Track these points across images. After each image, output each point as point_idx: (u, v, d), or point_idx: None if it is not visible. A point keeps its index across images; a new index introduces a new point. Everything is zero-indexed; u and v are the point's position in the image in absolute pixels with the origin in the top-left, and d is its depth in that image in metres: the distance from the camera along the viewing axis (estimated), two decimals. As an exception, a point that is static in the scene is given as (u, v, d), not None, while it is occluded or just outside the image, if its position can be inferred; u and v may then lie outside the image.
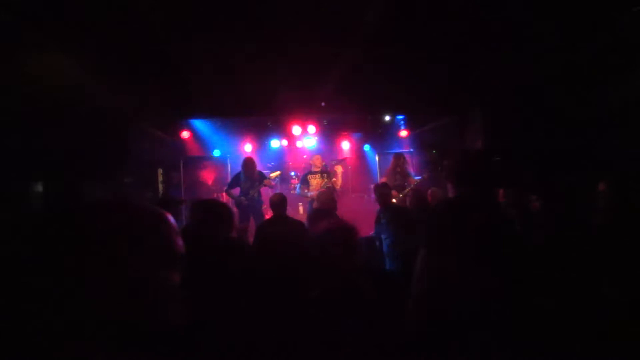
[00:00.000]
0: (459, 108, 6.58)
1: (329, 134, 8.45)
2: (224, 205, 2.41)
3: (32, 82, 3.74)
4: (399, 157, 6.24)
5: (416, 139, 8.39)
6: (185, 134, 7.68)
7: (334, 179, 6.01)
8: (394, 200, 5.07)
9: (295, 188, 7.15)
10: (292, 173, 8.16)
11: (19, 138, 3.92)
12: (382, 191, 4.20)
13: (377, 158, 8.67)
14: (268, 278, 1.85)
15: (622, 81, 3.75)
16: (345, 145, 8.73)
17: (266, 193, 6.28)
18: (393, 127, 8.40)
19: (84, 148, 4.76)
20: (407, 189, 5.86)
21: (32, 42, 3.52)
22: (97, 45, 3.93)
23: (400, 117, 8.11)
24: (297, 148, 8.47)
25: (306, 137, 8.19)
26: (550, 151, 4.46)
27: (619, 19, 3.47)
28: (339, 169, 6.24)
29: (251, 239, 3.87)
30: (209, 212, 2.23)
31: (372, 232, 4.08)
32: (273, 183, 6.25)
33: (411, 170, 6.43)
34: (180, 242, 0.71)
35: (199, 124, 7.77)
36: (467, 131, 6.61)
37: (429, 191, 4.40)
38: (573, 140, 4.16)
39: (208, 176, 8.06)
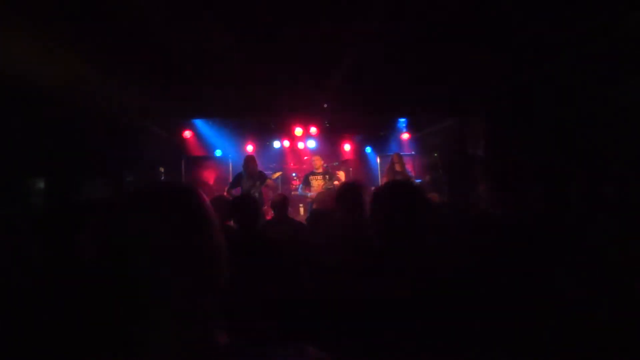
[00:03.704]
0: (462, 110, 6.58)
1: (331, 136, 8.46)
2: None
3: (36, 81, 3.76)
4: (395, 156, 6.25)
5: (418, 141, 8.39)
6: (187, 134, 7.70)
7: (336, 181, 6.00)
8: None
9: (296, 189, 7.15)
10: (293, 174, 8.18)
11: (22, 135, 3.93)
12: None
13: (378, 160, 8.67)
14: (269, 279, 1.85)
15: (628, 84, 3.75)
16: (347, 147, 8.74)
17: (267, 194, 6.28)
18: (395, 129, 8.41)
19: (86, 146, 4.77)
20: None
21: (35, 41, 3.54)
22: (102, 44, 3.95)
23: (402, 119, 8.12)
24: (298, 149, 8.48)
25: (308, 139, 8.20)
26: (553, 155, 4.45)
27: (624, 21, 3.47)
28: (341, 175, 6.23)
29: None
30: None
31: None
32: (274, 184, 6.25)
33: (410, 171, 6.44)
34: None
35: (201, 123, 7.79)
36: (469, 134, 6.61)
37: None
38: (577, 144, 4.15)
39: (209, 176, 8.07)
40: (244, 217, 2.22)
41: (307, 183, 6.12)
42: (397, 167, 6.15)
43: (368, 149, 8.93)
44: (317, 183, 6.07)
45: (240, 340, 0.66)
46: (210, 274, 0.67)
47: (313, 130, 7.76)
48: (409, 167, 6.66)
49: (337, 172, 6.30)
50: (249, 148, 8.26)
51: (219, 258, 0.69)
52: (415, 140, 8.42)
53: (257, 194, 5.77)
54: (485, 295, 1.42)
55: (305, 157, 8.37)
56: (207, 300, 0.65)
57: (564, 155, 4.25)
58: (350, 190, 2.14)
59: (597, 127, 3.97)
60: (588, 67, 4.08)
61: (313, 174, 6.21)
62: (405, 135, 8.35)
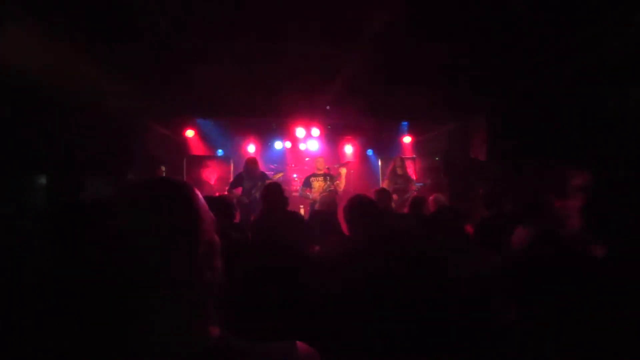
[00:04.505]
0: (464, 114, 6.58)
1: (332, 138, 8.47)
2: None
3: (38, 79, 3.77)
4: (397, 159, 6.25)
5: (420, 145, 8.39)
6: (189, 133, 7.71)
7: (337, 181, 6.01)
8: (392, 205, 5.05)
9: (297, 190, 7.15)
10: (294, 175, 8.17)
11: (25, 132, 3.94)
12: (380, 197, 4.15)
13: (379, 163, 8.67)
14: (264, 276, 1.85)
15: (628, 86, 3.75)
16: (348, 149, 8.74)
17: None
18: (397, 132, 8.42)
19: (88, 144, 4.78)
20: (408, 194, 5.86)
21: (38, 38, 3.55)
22: (105, 43, 3.96)
23: (404, 122, 8.13)
24: (300, 150, 8.48)
25: (309, 140, 8.21)
26: (555, 157, 4.45)
27: (625, 25, 3.47)
28: (343, 171, 6.22)
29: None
30: None
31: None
32: None
33: (412, 174, 6.44)
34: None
35: (203, 123, 7.80)
36: (471, 138, 6.61)
37: (432, 197, 4.36)
38: (579, 146, 4.15)
39: (211, 175, 8.08)
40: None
41: (308, 184, 6.12)
42: (399, 171, 6.15)
43: (369, 152, 8.94)
44: (318, 184, 6.07)
45: (233, 336, 0.66)
46: (204, 270, 0.67)
47: (315, 131, 7.76)
48: (410, 171, 6.66)
49: (339, 168, 6.28)
50: (251, 148, 8.27)
51: (212, 254, 0.69)
52: (417, 143, 8.42)
53: (257, 195, 5.77)
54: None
55: (307, 159, 8.37)
56: (201, 296, 0.66)
57: (565, 159, 4.24)
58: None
59: (599, 131, 3.96)
60: (593, 69, 4.07)
61: (314, 175, 6.21)
62: (407, 139, 8.35)
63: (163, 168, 7.34)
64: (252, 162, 5.82)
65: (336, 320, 1.48)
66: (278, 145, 8.39)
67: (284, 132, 8.11)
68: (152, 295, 0.62)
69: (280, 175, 6.75)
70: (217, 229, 0.72)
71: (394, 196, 5.30)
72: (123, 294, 0.62)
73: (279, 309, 1.62)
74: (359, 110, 6.43)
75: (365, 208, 2.03)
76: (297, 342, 0.68)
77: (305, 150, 8.41)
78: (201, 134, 7.91)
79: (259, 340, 0.67)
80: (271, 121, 7.87)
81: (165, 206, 0.66)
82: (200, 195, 0.72)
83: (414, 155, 8.42)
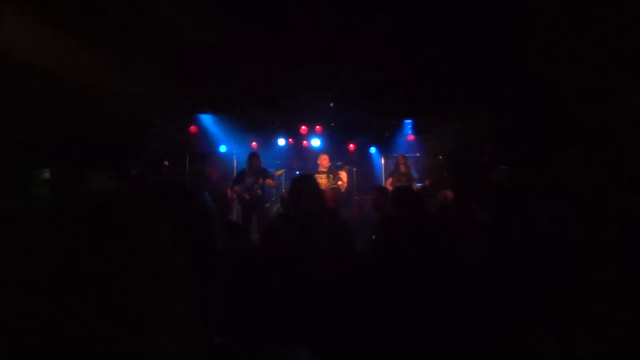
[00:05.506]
0: (468, 113, 6.55)
1: (336, 135, 8.46)
2: None
3: (43, 73, 3.78)
4: (401, 158, 6.24)
5: (423, 143, 8.37)
6: (193, 129, 7.72)
7: (340, 181, 5.99)
8: None
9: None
10: (297, 172, 8.17)
11: (28, 126, 3.96)
12: (376, 196, 4.05)
13: (382, 161, 8.65)
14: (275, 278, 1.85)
15: (633, 89, 3.72)
16: (352, 146, 8.73)
17: (269, 191, 6.28)
18: (400, 130, 8.40)
19: (92, 138, 4.80)
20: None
21: (43, 32, 3.55)
22: (110, 38, 3.97)
23: (409, 120, 8.11)
24: (303, 147, 8.47)
25: (313, 137, 8.20)
26: (558, 158, 4.42)
27: (630, 29, 3.44)
28: (343, 175, 6.22)
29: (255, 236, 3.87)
30: None
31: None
32: (275, 183, 6.26)
33: (415, 173, 6.42)
34: None
35: (206, 119, 7.80)
36: (476, 137, 6.58)
37: (439, 195, 4.26)
38: (582, 147, 4.13)
39: (213, 172, 8.08)
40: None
41: (311, 182, 6.11)
42: (402, 169, 6.13)
43: (373, 150, 8.92)
44: (321, 182, 6.06)
45: (233, 342, 0.66)
46: (210, 271, 0.66)
47: (318, 128, 7.76)
48: (414, 169, 6.63)
49: (340, 172, 6.28)
50: (254, 145, 8.28)
51: (218, 254, 0.69)
52: (420, 142, 8.40)
53: (259, 191, 5.78)
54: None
55: (310, 156, 8.37)
56: (204, 300, 0.65)
57: (570, 161, 4.22)
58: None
59: (608, 131, 3.94)
60: (599, 72, 4.05)
61: (317, 172, 6.20)
62: (411, 137, 8.34)
63: (166, 163, 7.35)
64: (254, 157, 5.82)
65: (337, 322, 1.47)
66: (281, 141, 8.39)
67: (287, 128, 8.10)
68: (154, 297, 0.62)
69: (282, 171, 6.74)
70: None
71: (397, 194, 5.29)
72: (123, 294, 0.61)
73: (280, 313, 1.62)
74: (363, 108, 6.42)
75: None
76: (299, 348, 0.67)
77: (308, 147, 8.41)
78: (204, 130, 7.92)
79: (261, 345, 0.66)
80: (274, 118, 7.87)
81: (176, 207, 0.66)
82: (208, 199, 0.72)
83: (417, 154, 8.40)
